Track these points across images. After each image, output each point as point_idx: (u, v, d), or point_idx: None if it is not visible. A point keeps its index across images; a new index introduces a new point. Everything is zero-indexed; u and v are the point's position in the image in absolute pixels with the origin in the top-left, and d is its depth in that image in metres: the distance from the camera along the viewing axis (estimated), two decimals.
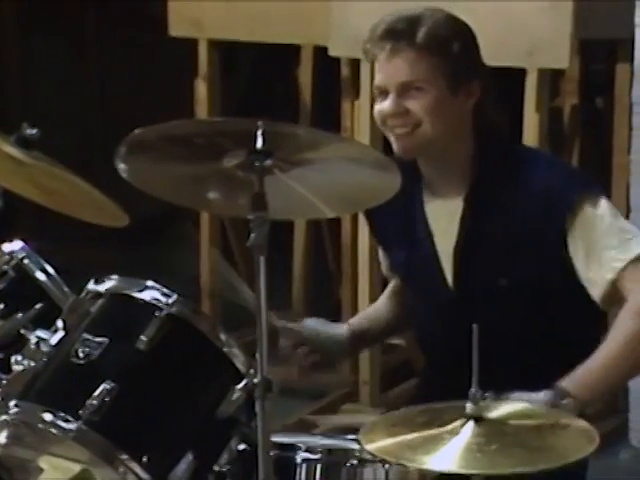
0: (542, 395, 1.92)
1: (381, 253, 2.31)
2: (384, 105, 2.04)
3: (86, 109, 4.87)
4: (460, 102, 2.05)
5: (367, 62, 2.06)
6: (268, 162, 1.78)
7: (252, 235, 1.77)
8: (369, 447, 1.69)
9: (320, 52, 3.57)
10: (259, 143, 1.76)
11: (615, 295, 2.03)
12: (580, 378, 1.96)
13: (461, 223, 2.08)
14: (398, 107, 2.02)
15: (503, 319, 2.04)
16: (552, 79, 3.22)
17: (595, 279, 2.03)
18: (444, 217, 2.10)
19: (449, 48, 2.01)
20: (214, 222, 3.73)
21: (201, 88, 3.72)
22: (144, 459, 1.77)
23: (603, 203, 2.05)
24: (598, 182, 2.17)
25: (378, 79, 2.06)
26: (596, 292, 2.04)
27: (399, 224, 2.15)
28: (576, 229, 2.03)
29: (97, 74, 4.88)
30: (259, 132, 1.75)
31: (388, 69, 2.03)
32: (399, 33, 2.01)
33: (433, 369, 2.22)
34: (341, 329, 2.20)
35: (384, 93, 2.04)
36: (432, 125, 2.02)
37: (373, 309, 2.35)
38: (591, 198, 2.05)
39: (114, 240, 3.34)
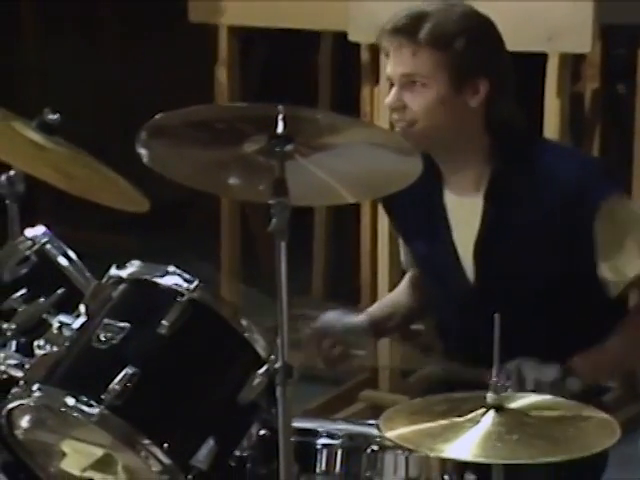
0: (550, 371, 1.92)
1: (401, 243, 2.30)
2: (388, 97, 2.06)
3: (105, 94, 4.88)
4: (464, 99, 2.03)
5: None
6: (289, 147, 1.78)
7: (273, 220, 1.77)
8: (389, 434, 1.69)
9: (339, 38, 3.55)
10: (280, 128, 1.76)
11: (630, 290, 2.05)
12: (593, 359, 1.97)
13: (482, 219, 2.08)
14: (397, 101, 2.04)
15: (523, 311, 2.03)
16: (574, 64, 3.21)
17: (614, 277, 2.03)
18: (464, 213, 2.10)
19: (452, 44, 2.01)
20: (234, 207, 3.73)
21: (221, 74, 3.71)
22: (166, 444, 1.77)
23: (626, 199, 2.06)
24: (620, 176, 2.16)
25: (387, 70, 2.09)
26: (614, 288, 2.05)
27: (419, 217, 2.14)
28: (601, 223, 2.02)
29: (116, 60, 4.88)
30: (280, 117, 1.75)
31: (393, 61, 2.05)
32: (404, 29, 2.03)
33: (452, 359, 2.22)
34: (361, 319, 2.20)
35: (391, 85, 2.06)
36: (428, 123, 2.03)
37: (393, 296, 2.34)
38: (615, 193, 2.05)
39: (134, 225, 3.35)
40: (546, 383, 1.94)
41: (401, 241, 2.29)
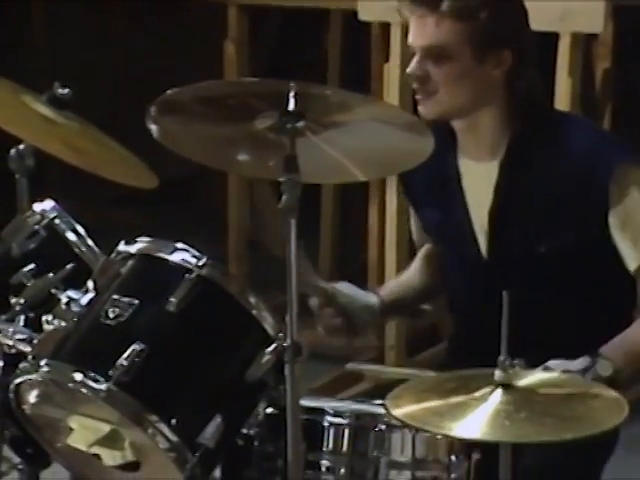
0: (579, 362, 1.91)
1: (413, 216, 2.29)
2: (409, 66, 2.04)
3: (114, 70, 4.87)
4: (487, 71, 2.02)
5: (397, 24, 2.06)
6: (300, 124, 1.77)
7: (283, 197, 1.76)
8: (396, 413, 1.69)
9: (349, 16, 3.53)
10: (291, 105, 1.75)
11: None
12: (619, 346, 1.95)
13: (496, 188, 2.07)
14: (419, 70, 2.02)
15: (537, 285, 2.03)
16: (585, 44, 3.19)
17: (632, 250, 2.01)
18: (478, 180, 2.09)
19: (476, 15, 1.98)
20: (242, 183, 3.73)
21: (230, 51, 3.70)
22: (173, 421, 1.77)
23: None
24: (636, 150, 2.14)
25: (409, 39, 2.06)
26: (632, 264, 2.02)
27: (432, 184, 2.13)
28: (616, 196, 2.01)
29: (126, 35, 4.86)
30: (291, 93, 1.74)
31: (415, 31, 2.03)
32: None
33: (463, 334, 2.21)
34: (373, 298, 2.19)
35: (413, 54, 2.04)
36: (450, 95, 2.01)
37: (405, 278, 2.32)
38: (632, 166, 2.03)
39: (143, 201, 3.34)
40: (576, 372, 1.91)
41: (413, 214, 2.27)
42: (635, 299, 2.10)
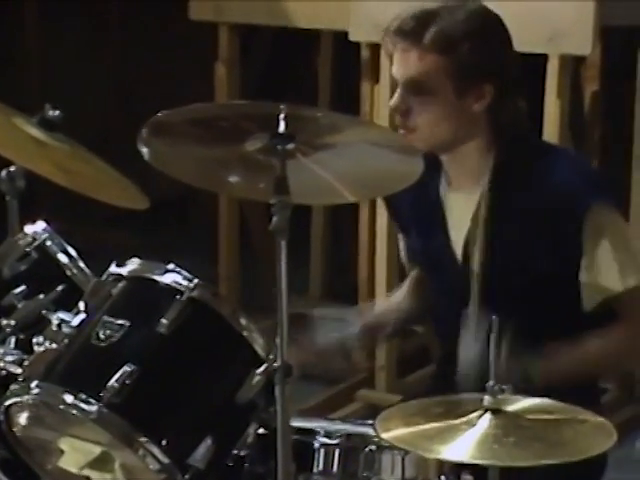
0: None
1: (401, 240, 2.30)
2: (392, 100, 2.05)
3: (105, 91, 4.88)
4: (468, 105, 2.02)
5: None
6: (290, 146, 1.78)
7: (274, 219, 1.77)
8: (385, 435, 1.69)
9: (340, 37, 3.56)
10: (281, 127, 1.76)
11: (603, 306, 2.04)
12: (548, 366, 1.97)
13: (473, 218, 2.08)
14: (401, 104, 2.03)
15: (511, 314, 2.02)
16: (574, 66, 3.21)
17: (591, 288, 2.03)
18: (459, 209, 2.10)
19: (456, 49, 1.99)
20: (233, 205, 3.74)
21: (221, 71, 3.72)
22: (163, 442, 1.77)
23: (617, 214, 2.04)
24: (614, 190, 2.14)
25: (392, 71, 2.08)
26: (588, 301, 2.04)
27: (417, 211, 2.15)
28: (588, 233, 2.01)
29: (118, 56, 4.88)
30: (282, 116, 1.75)
31: (398, 64, 2.05)
32: (409, 32, 2.01)
33: (449, 359, 2.22)
34: (354, 329, 2.17)
35: (397, 85, 2.06)
36: (430, 131, 2.02)
37: (395, 299, 2.32)
38: (607, 205, 2.03)
39: (134, 222, 3.35)
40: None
41: (401, 237, 2.29)
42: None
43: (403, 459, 1.83)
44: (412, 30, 2.01)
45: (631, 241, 2.08)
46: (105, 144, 2.98)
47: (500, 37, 2.06)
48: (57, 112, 2.22)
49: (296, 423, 1.83)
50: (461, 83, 2.00)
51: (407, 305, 2.28)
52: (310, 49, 4.08)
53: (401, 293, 2.31)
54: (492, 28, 2.05)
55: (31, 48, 4.73)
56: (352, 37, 3.37)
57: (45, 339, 1.90)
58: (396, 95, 2.05)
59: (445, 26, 2.00)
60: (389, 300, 2.38)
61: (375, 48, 3.37)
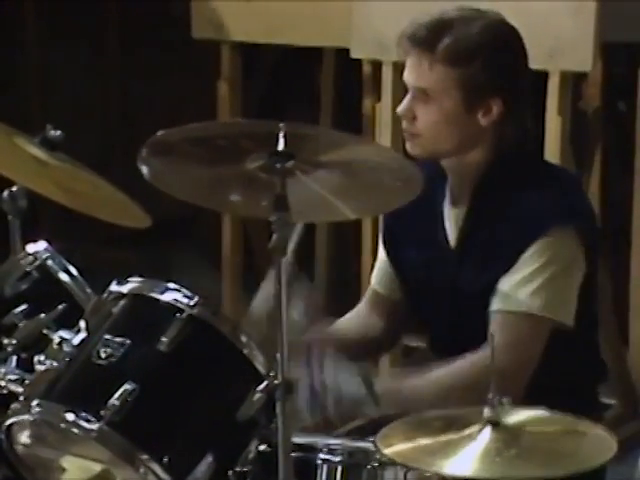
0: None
1: (381, 259, 2.25)
2: (400, 105, 2.06)
3: (107, 110, 4.90)
4: (475, 118, 2.02)
5: (389, 63, 2.07)
6: (290, 164, 1.79)
7: (273, 237, 1.77)
8: (387, 451, 1.69)
9: (341, 54, 3.57)
10: (281, 145, 1.77)
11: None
12: (394, 388, 1.96)
13: (460, 230, 2.09)
14: (407, 111, 2.04)
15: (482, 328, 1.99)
16: (575, 82, 3.21)
17: (499, 293, 2.01)
18: (454, 222, 2.11)
19: (468, 63, 1.99)
20: (236, 222, 3.74)
21: (223, 90, 3.73)
22: (164, 460, 1.78)
23: (573, 244, 2.00)
24: (581, 216, 2.08)
25: (404, 76, 2.08)
26: (494, 306, 2.02)
27: (419, 225, 2.14)
28: (533, 249, 1.99)
29: (118, 76, 4.90)
30: (281, 134, 1.76)
31: (409, 70, 2.05)
32: (422, 41, 2.01)
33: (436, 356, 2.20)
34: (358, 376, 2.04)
35: (406, 92, 2.06)
36: (433, 138, 2.03)
37: (348, 322, 2.24)
38: (556, 234, 2.00)
39: (136, 240, 3.35)
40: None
41: (382, 257, 2.24)
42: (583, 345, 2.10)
43: (405, 475, 1.83)
44: (425, 39, 2.01)
45: (568, 277, 2.02)
46: (107, 162, 3.00)
47: (514, 51, 2.05)
48: (58, 132, 2.23)
49: (298, 439, 1.83)
50: (470, 96, 2.01)
51: (370, 326, 2.21)
52: (312, 67, 4.10)
53: (357, 315, 2.24)
54: (506, 42, 2.04)
55: (32, 68, 4.75)
56: (354, 54, 3.38)
57: (46, 358, 1.90)
58: (404, 101, 2.05)
59: (459, 38, 1.99)
60: (350, 325, 2.26)
61: (377, 65, 3.38)
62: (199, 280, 2.17)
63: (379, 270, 2.27)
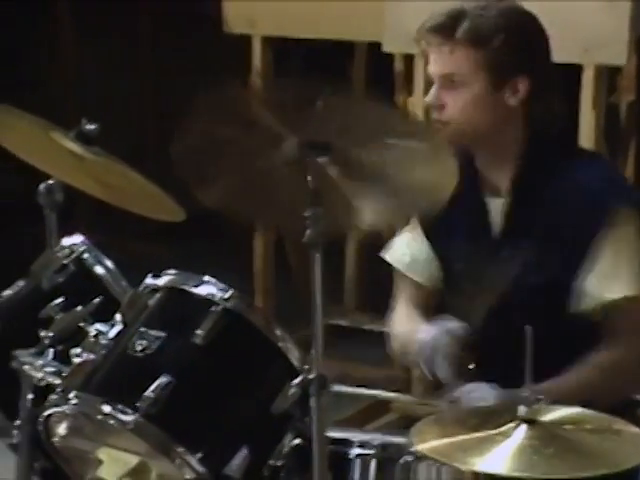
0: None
1: (420, 253, 2.24)
2: (428, 95, 2.07)
3: (142, 104, 4.92)
4: (504, 99, 2.03)
5: (421, 56, 2.08)
6: (324, 158, 1.79)
7: (308, 232, 1.78)
8: (421, 447, 1.69)
9: (373, 49, 3.56)
10: (315, 138, 1.77)
11: (599, 316, 2.01)
12: (547, 391, 1.90)
13: (503, 218, 2.07)
14: (436, 100, 2.05)
15: (531, 320, 1.99)
16: (609, 76, 3.20)
17: (591, 293, 2.00)
18: (497, 212, 2.09)
19: (490, 42, 2.00)
20: (268, 236, 3.73)
21: (255, 84, 3.73)
22: (200, 452, 1.78)
23: (637, 223, 2.01)
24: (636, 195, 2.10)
25: (428, 68, 2.09)
26: (585, 303, 2.01)
27: (457, 219, 2.13)
28: (602, 236, 1.99)
29: (152, 70, 4.92)
30: (316, 128, 1.76)
31: (432, 60, 2.06)
32: (442, 28, 2.03)
33: (483, 368, 2.20)
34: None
35: (432, 84, 2.07)
36: (464, 123, 2.03)
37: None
38: (629, 212, 2.01)
39: (169, 235, 3.37)
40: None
41: (420, 248, 2.23)
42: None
43: (439, 470, 1.83)
44: (444, 25, 2.03)
45: None
46: (141, 157, 3.01)
47: (534, 32, 2.07)
48: (94, 126, 2.24)
49: (331, 433, 1.83)
50: (495, 76, 2.02)
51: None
52: (343, 61, 4.09)
53: (415, 316, 2.22)
54: (525, 23, 2.06)
55: (66, 63, 4.78)
56: (386, 48, 3.38)
57: (83, 350, 1.92)
58: (431, 92, 2.06)
59: (477, 21, 2.01)
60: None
61: (409, 59, 3.38)
62: (231, 274, 2.17)
63: (417, 263, 2.26)
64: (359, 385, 3.26)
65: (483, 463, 1.64)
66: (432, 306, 2.25)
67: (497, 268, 2.07)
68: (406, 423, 3.14)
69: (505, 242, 2.08)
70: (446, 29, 2.02)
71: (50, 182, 2.26)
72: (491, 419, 1.71)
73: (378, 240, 3.84)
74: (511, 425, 1.68)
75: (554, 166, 2.07)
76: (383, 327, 3.35)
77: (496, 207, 2.11)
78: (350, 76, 3.96)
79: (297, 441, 1.86)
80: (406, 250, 2.27)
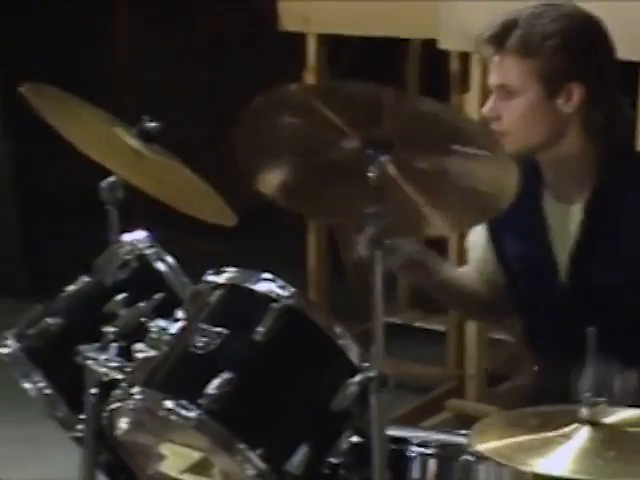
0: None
1: (481, 248, 2.23)
2: (484, 107, 2.07)
3: (197, 102, 4.95)
4: (557, 106, 2.01)
5: (477, 54, 2.08)
6: (387, 156, 1.79)
7: (370, 229, 1.78)
8: (480, 447, 1.68)
9: (428, 46, 3.55)
10: (378, 136, 1.76)
11: None
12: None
13: (580, 230, 2.06)
14: (491, 111, 2.05)
15: (615, 323, 1.99)
16: None
17: None
18: (561, 221, 2.08)
19: (540, 50, 1.99)
20: (321, 234, 3.74)
21: (309, 81, 3.74)
22: (261, 448, 1.79)
23: None
24: None
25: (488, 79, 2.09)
26: None
27: (516, 218, 2.12)
28: None
29: (207, 70, 4.95)
30: (377, 125, 1.75)
31: (489, 71, 2.06)
32: (494, 38, 2.03)
33: (545, 370, 2.19)
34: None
35: (487, 93, 2.07)
36: (520, 132, 2.02)
37: (458, 271, 2.26)
38: None
39: (225, 233, 3.39)
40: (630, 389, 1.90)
41: (483, 245, 2.23)
42: None
43: (499, 471, 1.82)
44: (496, 36, 2.03)
45: None
46: (195, 154, 3.02)
47: (591, 36, 2.04)
48: (155, 124, 2.26)
49: (390, 432, 1.83)
50: (548, 84, 2.00)
51: (472, 285, 2.21)
52: (396, 58, 4.09)
53: (468, 274, 2.23)
54: (581, 28, 2.03)
55: (123, 63, 4.83)
56: (443, 45, 3.36)
57: (145, 346, 1.93)
58: (488, 103, 2.06)
59: (528, 30, 2.00)
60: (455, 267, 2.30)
61: (464, 57, 3.36)
62: (285, 270, 2.18)
63: (477, 261, 2.25)
64: (411, 383, 3.27)
65: (544, 465, 1.62)
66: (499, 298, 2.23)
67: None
68: (461, 422, 3.14)
69: (585, 249, 2.07)
70: (497, 40, 2.02)
71: (112, 178, 2.28)
72: (552, 420, 1.70)
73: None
74: (573, 427, 1.67)
75: (631, 178, 2.05)
76: (435, 325, 3.36)
77: (560, 212, 2.09)
78: (403, 74, 3.94)
79: (356, 439, 1.86)
80: (472, 243, 2.27)
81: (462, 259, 3.32)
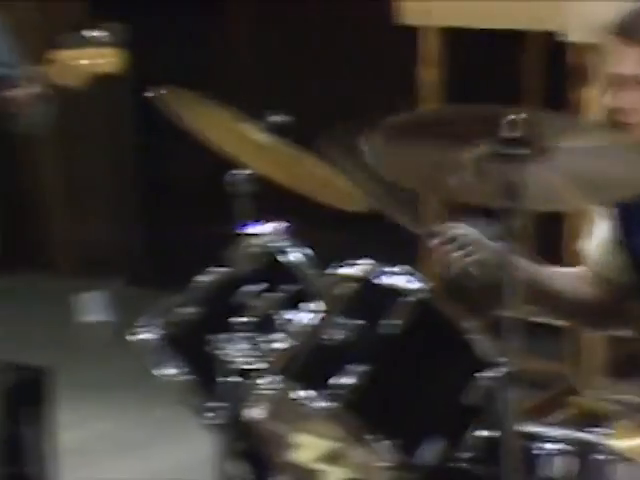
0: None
1: (605, 245, 2.20)
2: (606, 98, 2.03)
3: (308, 94, 4.98)
4: None
5: (598, 48, 2.04)
6: (523, 151, 1.78)
7: (501, 225, 1.77)
8: (619, 445, 1.66)
9: (546, 38, 3.51)
10: (515, 132, 1.76)
11: None
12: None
13: None
14: (621, 102, 2.01)
15: None
16: None
17: None
18: None
19: None
20: (439, 208, 3.72)
21: (429, 75, 3.73)
22: (393, 440, 1.80)
23: None
24: None
25: (612, 70, 2.04)
26: None
27: None
28: None
29: (323, 65, 4.97)
30: (517, 121, 1.75)
31: (616, 62, 2.02)
32: (624, 30, 2.00)
33: None
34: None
35: (612, 84, 2.03)
36: None
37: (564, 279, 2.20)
38: None
39: (350, 223, 3.40)
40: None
41: (604, 239, 2.21)
42: None
43: (633, 471, 1.80)
44: (627, 27, 2.00)
45: None
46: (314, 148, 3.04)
47: None
48: (282, 117, 2.29)
49: (521, 427, 1.82)
50: None
51: (581, 289, 2.18)
52: (514, 50, 4.04)
53: (571, 274, 2.19)
54: None
55: (245, 63, 4.91)
56: (571, 37, 3.32)
57: (278, 337, 1.96)
58: (615, 93, 2.02)
59: None
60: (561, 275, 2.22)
61: (584, 49, 3.32)
62: (403, 264, 2.18)
63: (601, 255, 2.23)
64: (528, 378, 3.23)
65: None
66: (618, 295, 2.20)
67: None
68: (585, 419, 3.10)
69: None
70: (629, 31, 1.99)
71: (239, 170, 2.32)
72: None
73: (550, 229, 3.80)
74: None
75: None
76: (554, 320, 3.29)
77: None
78: (521, 65, 3.91)
79: (485, 433, 1.86)
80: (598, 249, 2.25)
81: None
